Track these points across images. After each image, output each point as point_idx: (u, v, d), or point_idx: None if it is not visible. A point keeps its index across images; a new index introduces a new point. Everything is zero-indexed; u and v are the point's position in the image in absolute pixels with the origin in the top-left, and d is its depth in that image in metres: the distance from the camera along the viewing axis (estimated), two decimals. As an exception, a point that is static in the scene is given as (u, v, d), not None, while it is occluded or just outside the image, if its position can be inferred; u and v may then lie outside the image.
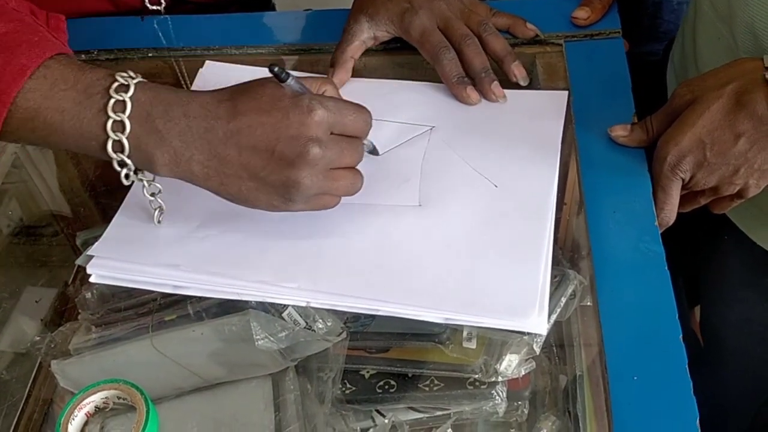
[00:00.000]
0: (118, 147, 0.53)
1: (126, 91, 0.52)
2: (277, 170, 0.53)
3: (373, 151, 0.66)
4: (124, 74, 0.53)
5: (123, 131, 0.52)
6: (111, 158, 0.53)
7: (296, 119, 0.52)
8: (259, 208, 0.56)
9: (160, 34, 0.81)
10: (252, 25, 0.82)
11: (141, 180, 0.56)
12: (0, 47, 0.52)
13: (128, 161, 0.53)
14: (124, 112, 0.52)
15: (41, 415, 0.60)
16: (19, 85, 0.51)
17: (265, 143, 0.52)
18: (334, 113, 0.54)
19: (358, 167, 0.58)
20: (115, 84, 0.52)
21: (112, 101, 0.52)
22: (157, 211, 0.61)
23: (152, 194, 0.59)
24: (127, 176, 0.55)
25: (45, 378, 0.62)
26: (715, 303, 0.90)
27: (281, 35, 0.81)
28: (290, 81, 0.54)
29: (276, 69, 0.53)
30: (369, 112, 0.58)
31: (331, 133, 0.55)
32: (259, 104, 0.53)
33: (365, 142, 0.62)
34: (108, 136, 0.52)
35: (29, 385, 0.61)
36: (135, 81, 0.53)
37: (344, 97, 0.60)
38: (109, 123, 0.52)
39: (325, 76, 0.70)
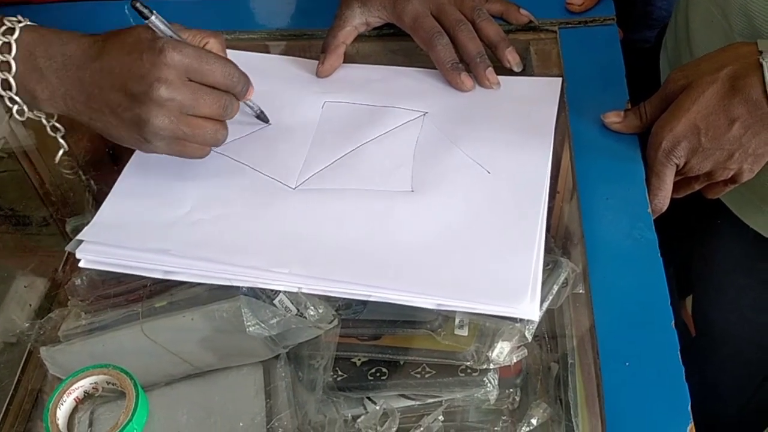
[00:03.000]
0: (6, 85, 0.58)
1: (12, 34, 0.57)
2: (129, 107, 0.56)
3: (261, 117, 0.67)
4: (12, 18, 0.58)
5: (9, 71, 0.57)
6: (1, 96, 0.58)
7: (148, 59, 0.55)
8: (127, 144, 0.60)
9: (132, 21, 0.80)
10: (244, 10, 0.81)
11: (39, 117, 0.61)
12: None
13: (17, 98, 0.58)
14: (9, 53, 0.57)
15: (31, 404, 0.59)
16: None
17: (120, 81, 0.56)
18: (188, 59, 0.56)
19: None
20: (3, 27, 0.57)
21: None
22: (60, 151, 0.64)
23: (53, 130, 0.63)
24: (20, 112, 0.59)
25: (35, 366, 0.62)
26: (708, 288, 0.90)
27: (273, 20, 0.80)
28: (153, 18, 0.57)
29: (137, 4, 0.56)
30: (235, 66, 0.59)
31: (190, 80, 0.57)
32: (122, 45, 0.57)
33: (249, 104, 0.65)
34: None
35: (18, 372, 0.61)
36: (21, 24, 0.58)
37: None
38: None
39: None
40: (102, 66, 0.57)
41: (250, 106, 0.66)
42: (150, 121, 0.56)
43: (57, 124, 0.63)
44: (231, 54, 0.74)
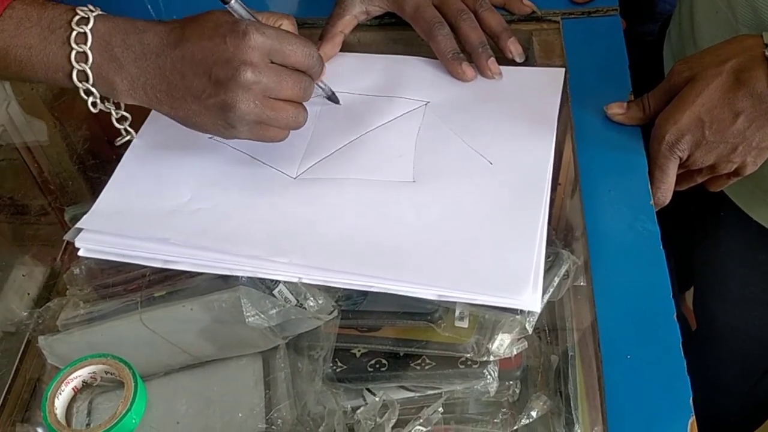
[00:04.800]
0: (83, 77, 0.56)
1: (86, 24, 0.56)
2: (214, 93, 0.55)
3: (332, 98, 0.67)
4: (85, 8, 0.56)
5: (86, 61, 0.56)
6: (77, 87, 0.57)
7: (232, 43, 0.54)
8: (209, 131, 0.59)
9: (150, 8, 0.80)
10: (245, 0, 0.80)
11: (108, 109, 0.59)
12: None
13: (93, 90, 0.57)
14: (85, 43, 0.55)
15: (29, 393, 0.59)
16: None
17: (203, 67, 0.55)
18: (271, 40, 0.55)
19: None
20: (76, 17, 0.56)
21: (74, 33, 0.55)
22: (128, 137, 0.63)
23: (117, 120, 0.61)
24: (94, 104, 0.58)
25: (33, 355, 0.61)
26: (710, 281, 0.90)
27: (274, 9, 0.79)
28: (233, 2, 0.56)
29: None
30: (313, 46, 0.58)
31: (272, 62, 0.56)
32: (202, 30, 0.55)
33: (321, 85, 0.64)
34: (72, 67, 0.56)
35: (17, 362, 0.61)
36: (95, 14, 0.56)
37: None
38: (73, 54, 0.55)
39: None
40: (183, 53, 0.55)
41: (321, 87, 0.66)
42: (237, 106, 0.55)
43: (125, 113, 0.61)
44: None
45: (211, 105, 0.56)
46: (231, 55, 0.54)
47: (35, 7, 0.56)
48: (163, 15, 0.79)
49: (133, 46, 0.56)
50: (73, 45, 0.55)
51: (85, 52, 0.55)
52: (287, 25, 0.61)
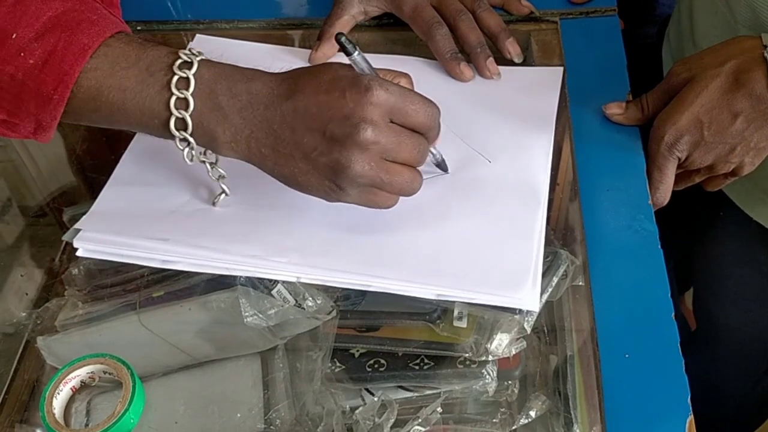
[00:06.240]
0: (181, 125, 0.51)
1: (189, 68, 0.51)
2: (327, 151, 0.51)
3: (441, 165, 0.61)
4: (187, 52, 0.52)
5: (186, 108, 0.51)
6: (174, 136, 0.52)
7: (352, 98, 0.50)
8: (312, 193, 0.54)
9: (169, 4, 0.80)
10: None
11: (204, 162, 0.55)
12: (60, 27, 0.50)
13: (191, 139, 0.52)
14: (187, 89, 0.51)
15: (27, 394, 0.59)
16: (81, 65, 0.50)
17: (318, 123, 0.50)
18: (395, 98, 0.51)
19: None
20: (179, 61, 0.51)
21: (175, 78, 0.51)
22: (221, 196, 0.59)
23: (217, 178, 0.57)
24: (190, 157, 0.54)
25: (32, 356, 0.61)
26: (709, 281, 0.90)
27: (273, 9, 0.80)
28: (356, 55, 0.52)
29: (342, 39, 0.52)
30: (436, 107, 0.54)
31: (391, 122, 0.52)
32: (318, 83, 0.51)
33: (432, 151, 0.59)
34: (171, 114, 0.51)
35: (15, 362, 0.61)
36: (198, 58, 0.52)
37: None
38: (173, 100, 0.51)
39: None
40: (296, 106, 0.51)
41: (432, 153, 0.60)
42: (351, 167, 0.50)
43: (221, 170, 0.57)
44: (225, 43, 0.74)
45: (321, 164, 0.51)
46: (350, 111, 0.50)
47: (133, 47, 0.51)
48: (180, 10, 0.79)
49: (239, 95, 0.51)
50: (174, 90, 0.50)
51: (186, 99, 0.51)
52: (405, 83, 0.57)
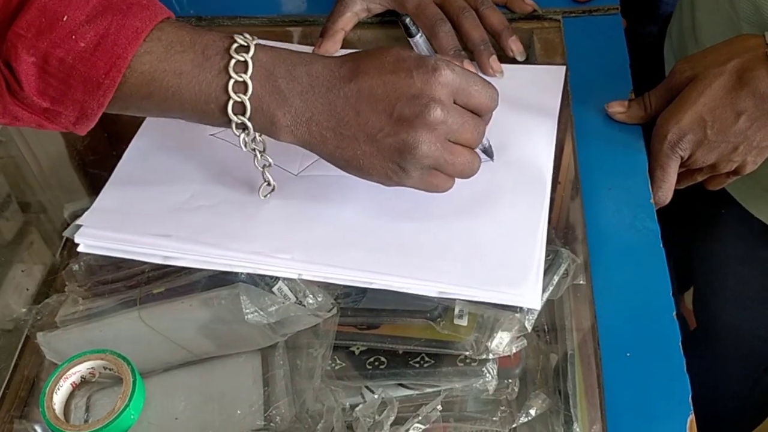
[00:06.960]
0: (240, 109, 0.50)
1: (247, 52, 0.50)
2: (394, 132, 0.50)
3: (488, 151, 0.61)
4: (242, 36, 0.51)
5: (245, 92, 0.50)
6: (231, 121, 0.51)
7: (420, 78, 0.50)
8: (373, 178, 0.53)
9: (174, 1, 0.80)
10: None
11: (253, 150, 0.54)
12: (111, 10, 0.48)
13: (249, 124, 0.51)
14: (246, 72, 0.50)
15: (27, 390, 0.59)
16: (134, 48, 0.48)
17: (384, 103, 0.50)
18: (460, 78, 0.51)
19: None
20: (235, 45, 0.50)
21: (233, 62, 0.50)
22: (263, 186, 0.59)
23: (263, 167, 0.57)
24: (245, 142, 0.53)
25: (31, 352, 0.61)
26: (710, 279, 0.90)
27: (275, 6, 0.80)
28: (418, 37, 0.52)
29: (407, 20, 0.51)
30: (497, 91, 0.54)
31: (455, 102, 0.52)
32: (382, 64, 0.50)
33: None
34: (229, 97, 0.50)
35: (15, 358, 0.61)
36: (254, 42, 0.51)
37: None
38: (231, 83, 0.50)
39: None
40: (360, 87, 0.50)
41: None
42: (418, 147, 0.50)
43: (268, 157, 0.56)
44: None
45: (387, 145, 0.51)
46: (419, 91, 0.49)
47: (186, 31, 0.50)
48: (183, 6, 0.79)
49: (299, 78, 0.50)
50: (232, 74, 0.49)
51: (245, 82, 0.50)
52: (467, 66, 0.57)
